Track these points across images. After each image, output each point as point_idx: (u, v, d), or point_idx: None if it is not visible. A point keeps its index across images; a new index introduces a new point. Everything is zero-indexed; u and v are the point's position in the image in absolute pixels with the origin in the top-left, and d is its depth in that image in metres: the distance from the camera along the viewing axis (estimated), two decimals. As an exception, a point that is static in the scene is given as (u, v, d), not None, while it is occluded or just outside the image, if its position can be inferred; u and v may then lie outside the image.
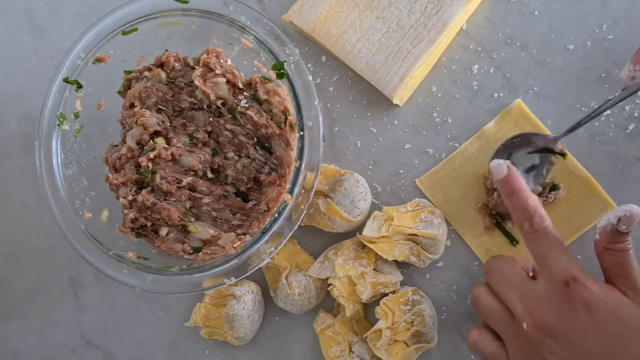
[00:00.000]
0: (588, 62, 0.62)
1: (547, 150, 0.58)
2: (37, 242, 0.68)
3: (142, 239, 0.60)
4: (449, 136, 0.63)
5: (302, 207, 0.55)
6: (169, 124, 0.61)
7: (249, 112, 0.59)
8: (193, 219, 0.59)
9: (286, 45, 0.57)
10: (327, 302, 0.63)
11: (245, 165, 0.61)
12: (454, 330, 0.62)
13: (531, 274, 0.53)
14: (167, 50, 0.61)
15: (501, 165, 0.53)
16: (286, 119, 0.59)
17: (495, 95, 0.63)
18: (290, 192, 0.55)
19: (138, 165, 0.59)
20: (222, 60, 0.60)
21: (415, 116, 0.63)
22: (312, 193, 0.55)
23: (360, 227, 0.61)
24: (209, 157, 0.61)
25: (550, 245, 0.50)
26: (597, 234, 0.51)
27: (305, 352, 0.64)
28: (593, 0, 0.62)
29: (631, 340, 0.45)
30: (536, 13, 0.63)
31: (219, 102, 0.60)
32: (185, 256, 0.58)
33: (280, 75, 0.57)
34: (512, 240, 0.60)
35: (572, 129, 0.56)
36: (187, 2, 0.58)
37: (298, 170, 0.55)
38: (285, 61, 0.57)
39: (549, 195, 0.59)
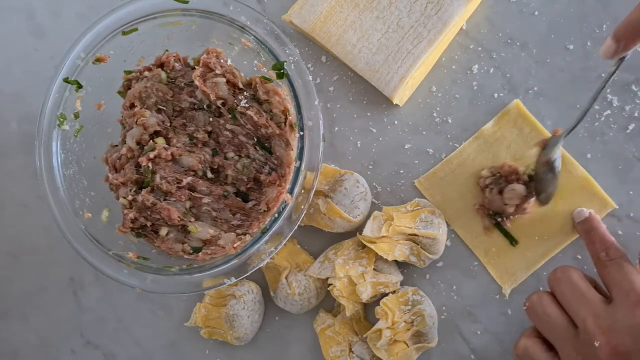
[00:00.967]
0: (588, 62, 0.62)
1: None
2: (37, 242, 0.68)
3: (142, 239, 0.60)
4: (449, 136, 0.63)
5: (302, 207, 0.55)
6: (169, 124, 0.61)
7: (249, 112, 0.59)
8: (193, 219, 0.59)
9: (286, 45, 0.57)
10: (327, 302, 0.63)
11: (245, 165, 0.61)
12: (454, 330, 0.62)
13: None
14: (167, 50, 0.61)
15: (583, 211, 0.58)
16: (286, 119, 0.59)
17: (495, 95, 0.63)
18: (290, 192, 0.55)
19: (138, 165, 0.59)
20: (222, 60, 0.60)
21: (415, 116, 0.63)
22: (312, 193, 0.55)
23: (360, 227, 0.61)
24: (209, 157, 0.61)
25: (625, 271, 0.51)
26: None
27: (305, 352, 0.64)
28: (593, 0, 0.62)
29: None
30: (536, 13, 0.63)
31: (219, 102, 0.60)
32: (185, 256, 0.58)
33: (280, 75, 0.57)
34: (512, 240, 0.60)
35: (574, 126, 0.56)
36: (187, 2, 0.58)
37: (298, 170, 0.55)
38: (285, 61, 0.57)
39: (533, 192, 0.59)
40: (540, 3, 0.63)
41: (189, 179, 0.59)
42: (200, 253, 0.57)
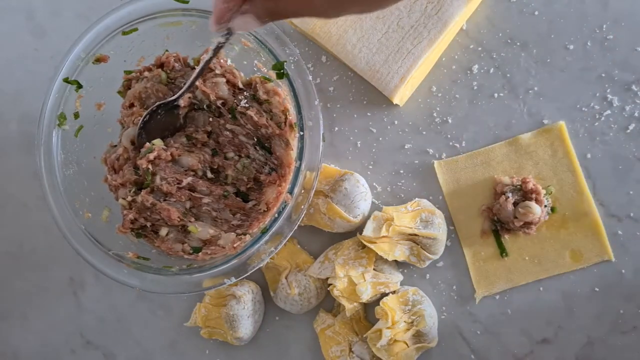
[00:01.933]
0: (588, 62, 0.62)
1: None
2: (37, 242, 0.68)
3: (142, 239, 0.60)
4: (449, 136, 0.63)
5: (302, 207, 0.55)
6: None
7: (249, 112, 0.59)
8: (193, 219, 0.59)
9: (286, 45, 0.57)
10: (327, 302, 0.63)
11: (245, 165, 0.61)
12: (454, 330, 0.62)
13: None
14: (167, 50, 0.61)
15: None
16: (286, 119, 0.59)
17: (495, 95, 0.63)
18: (290, 192, 0.55)
19: (137, 166, 0.59)
20: (222, 60, 0.60)
21: (415, 116, 0.63)
22: (312, 193, 0.55)
23: (360, 227, 0.61)
24: (208, 157, 0.61)
25: None
26: None
27: (305, 352, 0.64)
28: (593, 0, 0.62)
29: None
30: (536, 13, 0.63)
31: (219, 102, 0.60)
32: (185, 256, 0.58)
33: (280, 75, 0.57)
34: (503, 252, 0.61)
35: None
36: (187, 2, 0.58)
37: (298, 170, 0.55)
38: (285, 61, 0.57)
39: (546, 217, 0.60)
40: (540, 3, 0.62)
41: (189, 179, 0.59)
42: (200, 253, 0.57)
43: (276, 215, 0.55)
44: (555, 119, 0.61)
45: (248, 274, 0.55)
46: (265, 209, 0.60)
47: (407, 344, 0.58)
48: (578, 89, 0.61)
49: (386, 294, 0.60)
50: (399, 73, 0.61)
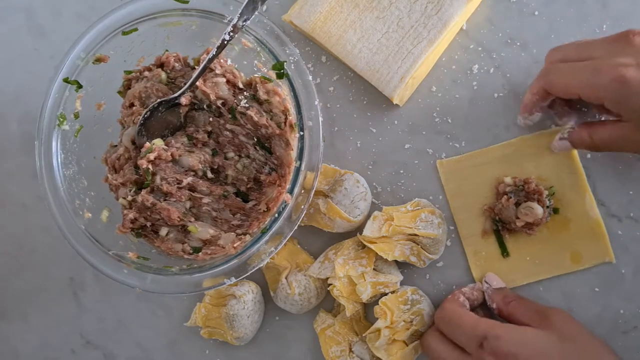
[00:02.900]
0: (588, 62, 0.62)
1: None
2: (37, 242, 0.68)
3: (142, 239, 0.60)
4: (449, 136, 0.63)
5: (302, 207, 0.55)
6: (169, 124, 0.61)
7: (249, 112, 0.59)
8: (193, 219, 0.59)
9: (286, 45, 0.57)
10: (327, 302, 0.63)
11: (245, 165, 0.61)
12: (454, 330, 0.62)
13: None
14: (167, 50, 0.61)
15: (496, 279, 0.60)
16: (286, 119, 0.59)
17: (495, 95, 0.63)
18: (290, 192, 0.55)
19: (137, 166, 0.59)
20: (222, 60, 0.60)
21: (415, 116, 0.63)
22: (312, 193, 0.55)
23: (360, 227, 0.61)
24: (209, 157, 0.61)
25: (452, 328, 0.55)
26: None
27: (305, 352, 0.64)
28: (593, 0, 0.62)
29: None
30: (536, 13, 0.63)
31: (219, 102, 0.60)
32: (185, 256, 0.58)
33: (280, 75, 0.57)
34: (504, 251, 0.61)
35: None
36: (187, 2, 0.58)
37: (298, 170, 0.55)
38: (285, 61, 0.57)
39: (548, 218, 0.60)
40: (540, 3, 0.63)
41: (189, 179, 0.59)
42: (200, 253, 0.57)
43: (276, 215, 0.55)
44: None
45: (248, 274, 0.55)
46: (265, 209, 0.60)
47: (406, 344, 0.58)
48: (578, 89, 0.61)
49: (386, 294, 0.60)
50: (399, 73, 0.61)
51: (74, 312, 0.68)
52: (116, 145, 0.62)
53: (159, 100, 0.59)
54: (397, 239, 0.59)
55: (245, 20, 0.56)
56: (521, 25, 0.63)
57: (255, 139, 0.61)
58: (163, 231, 0.59)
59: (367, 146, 0.64)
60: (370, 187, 0.62)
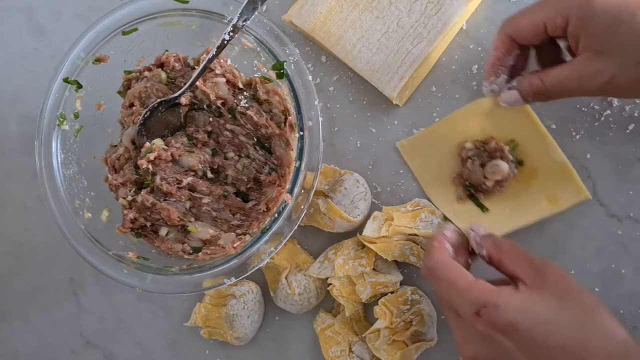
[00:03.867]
0: (588, 62, 0.61)
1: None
2: (37, 242, 0.68)
3: (142, 239, 0.60)
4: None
5: (302, 207, 0.55)
6: (169, 124, 0.61)
7: (249, 112, 0.59)
8: (193, 219, 0.59)
9: (286, 45, 0.57)
10: (327, 302, 0.63)
11: (245, 165, 0.61)
12: (454, 330, 0.61)
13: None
14: (167, 50, 0.61)
15: (480, 228, 0.56)
16: (286, 119, 0.59)
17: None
18: (290, 192, 0.55)
19: (137, 166, 0.59)
20: (222, 60, 0.60)
21: (415, 116, 0.63)
22: (312, 193, 0.55)
23: (360, 227, 0.61)
24: (208, 157, 0.61)
25: (443, 285, 0.51)
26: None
27: (305, 352, 0.64)
28: (593, 0, 0.62)
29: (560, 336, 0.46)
30: (536, 13, 0.62)
31: (219, 102, 0.60)
32: (185, 256, 0.58)
33: (280, 75, 0.57)
34: (483, 208, 0.61)
35: None
36: (187, 2, 0.58)
37: (298, 170, 0.55)
38: (285, 61, 0.57)
39: (515, 171, 0.59)
40: (540, 3, 0.62)
41: (189, 179, 0.59)
42: (200, 253, 0.57)
43: (276, 215, 0.55)
44: (555, 120, 0.61)
45: (248, 274, 0.55)
46: (265, 209, 0.60)
47: (406, 344, 0.58)
48: (578, 89, 0.61)
49: (386, 294, 0.60)
50: (398, 73, 0.61)
51: (74, 312, 0.68)
52: (116, 145, 0.62)
53: (159, 100, 0.59)
54: (397, 239, 0.59)
55: (245, 20, 0.56)
56: (521, 25, 0.63)
57: (255, 139, 0.61)
58: (163, 231, 0.59)
59: (367, 146, 0.64)
60: (370, 187, 0.62)
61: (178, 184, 0.59)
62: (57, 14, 0.70)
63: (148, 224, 0.59)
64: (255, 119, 0.59)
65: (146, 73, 0.61)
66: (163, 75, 0.60)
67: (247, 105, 0.60)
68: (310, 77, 0.56)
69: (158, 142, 0.59)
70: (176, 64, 0.61)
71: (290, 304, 0.61)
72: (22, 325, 0.69)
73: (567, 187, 0.59)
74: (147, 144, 0.58)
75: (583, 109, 0.61)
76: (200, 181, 0.60)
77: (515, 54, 0.55)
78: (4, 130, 0.69)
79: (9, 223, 0.69)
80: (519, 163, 0.60)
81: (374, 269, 0.60)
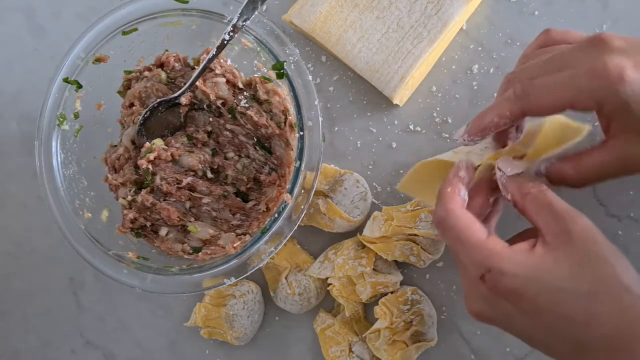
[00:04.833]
0: (588, 62, 0.61)
1: None
2: (37, 242, 0.68)
3: (142, 239, 0.60)
4: (449, 136, 0.63)
5: (302, 207, 0.55)
6: (169, 124, 0.61)
7: (248, 112, 0.59)
8: (193, 219, 0.59)
9: (286, 45, 0.57)
10: (327, 302, 0.63)
11: (245, 165, 0.61)
12: (454, 329, 0.61)
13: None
14: (167, 50, 0.61)
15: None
16: (286, 119, 0.59)
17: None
18: (290, 192, 0.55)
19: (137, 166, 0.59)
20: (222, 60, 0.60)
21: (415, 116, 0.63)
22: (312, 193, 0.55)
23: (360, 227, 0.61)
24: (208, 157, 0.61)
25: (451, 239, 0.46)
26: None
27: (305, 352, 0.64)
28: (593, 0, 0.62)
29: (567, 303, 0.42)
30: (536, 13, 0.63)
31: (219, 102, 0.60)
32: (185, 256, 0.58)
33: (280, 75, 0.57)
34: None
35: None
36: (187, 2, 0.58)
37: (298, 170, 0.55)
38: (285, 61, 0.57)
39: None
40: (540, 3, 0.62)
41: (189, 179, 0.59)
42: (200, 253, 0.57)
43: (276, 215, 0.55)
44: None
45: (248, 274, 0.55)
46: (265, 209, 0.60)
47: (406, 344, 0.58)
48: (578, 89, 0.61)
49: (386, 294, 0.60)
50: (398, 73, 0.61)
51: (74, 312, 0.68)
52: (116, 145, 0.62)
53: (159, 100, 0.59)
54: (397, 239, 0.59)
55: (245, 20, 0.56)
56: (521, 25, 0.63)
57: (255, 139, 0.61)
58: (163, 231, 0.59)
59: (367, 146, 0.64)
60: (370, 187, 0.62)
61: (178, 184, 0.59)
62: (57, 14, 0.70)
63: (148, 224, 0.59)
64: (255, 119, 0.59)
65: (146, 73, 0.61)
66: (163, 75, 0.60)
67: (247, 105, 0.60)
68: (310, 77, 0.56)
69: (158, 142, 0.59)
70: (176, 64, 0.61)
71: (290, 304, 0.61)
72: (22, 325, 0.69)
73: (565, 131, 0.50)
74: (147, 144, 0.58)
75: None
76: (200, 181, 0.60)
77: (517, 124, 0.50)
78: (4, 130, 0.69)
79: (9, 223, 0.69)
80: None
81: (374, 269, 0.60)
